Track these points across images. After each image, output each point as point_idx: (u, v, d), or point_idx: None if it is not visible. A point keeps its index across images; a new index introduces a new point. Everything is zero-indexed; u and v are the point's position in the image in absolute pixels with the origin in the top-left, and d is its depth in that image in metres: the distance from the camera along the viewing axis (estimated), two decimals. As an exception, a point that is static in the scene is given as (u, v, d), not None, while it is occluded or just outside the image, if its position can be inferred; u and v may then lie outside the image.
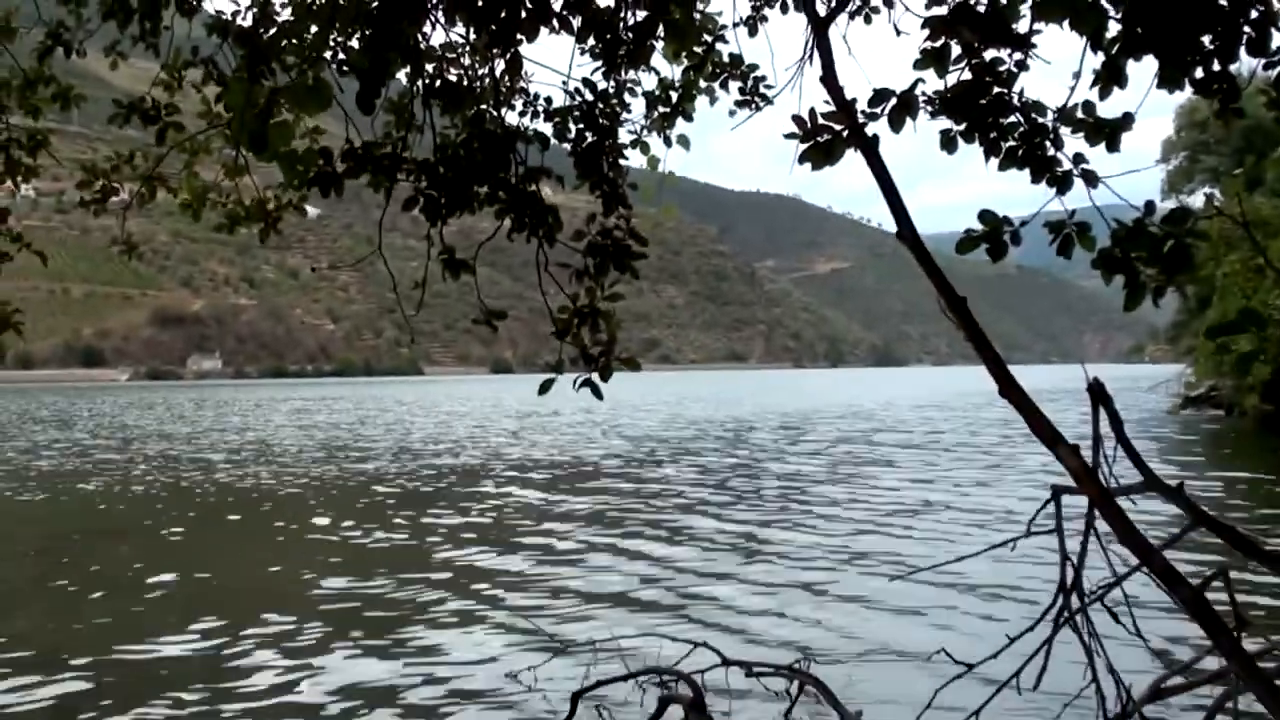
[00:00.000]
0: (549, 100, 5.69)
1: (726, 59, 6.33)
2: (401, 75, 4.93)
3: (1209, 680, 5.54)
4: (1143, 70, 3.68)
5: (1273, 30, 3.54)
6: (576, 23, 4.98)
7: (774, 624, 10.61)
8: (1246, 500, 19.59)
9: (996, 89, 4.00)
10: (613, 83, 5.72)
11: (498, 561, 14.60)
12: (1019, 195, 4.23)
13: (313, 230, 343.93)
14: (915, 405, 67.32)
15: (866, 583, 12.43)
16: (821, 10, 4.42)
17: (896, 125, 3.92)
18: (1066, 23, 3.58)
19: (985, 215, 3.90)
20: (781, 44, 5.81)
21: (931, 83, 3.96)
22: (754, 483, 24.04)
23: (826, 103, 3.95)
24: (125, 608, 11.95)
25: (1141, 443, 13.36)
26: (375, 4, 4.27)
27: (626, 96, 5.92)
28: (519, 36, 4.52)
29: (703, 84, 6.42)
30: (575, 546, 15.64)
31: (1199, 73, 3.68)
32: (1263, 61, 3.68)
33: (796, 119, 3.89)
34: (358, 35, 4.37)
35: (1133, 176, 4.10)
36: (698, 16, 6.05)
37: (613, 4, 5.32)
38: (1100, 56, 3.73)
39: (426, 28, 4.82)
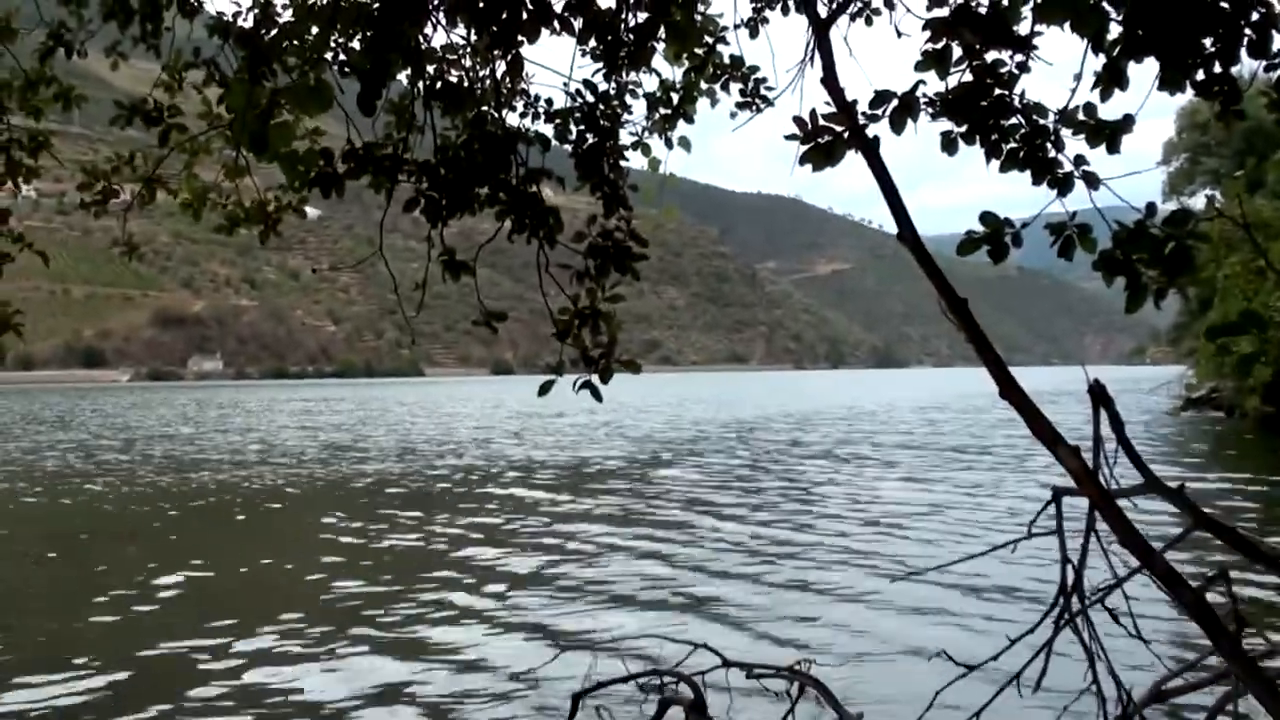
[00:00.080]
0: (550, 102, 5.69)
1: (727, 61, 6.33)
2: (402, 76, 4.93)
3: (1210, 681, 5.53)
4: (1144, 72, 3.68)
5: (1273, 32, 3.54)
6: (578, 24, 4.98)
7: (775, 625, 10.61)
8: (1247, 502, 19.58)
9: (997, 91, 4.00)
10: (614, 84, 5.71)
11: (499, 562, 14.61)
12: (1020, 197, 4.23)
13: (314, 231, 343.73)
14: (916, 407, 67.33)
15: (867, 583, 12.43)
16: (822, 12, 4.41)
17: (897, 127, 3.92)
18: (1068, 24, 3.58)
19: (986, 217, 3.90)
20: (782, 46, 5.80)
21: (932, 84, 3.96)
22: (755, 484, 24.04)
23: (827, 104, 3.95)
24: (133, 608, 11.95)
25: (1142, 444, 13.36)
26: (376, 5, 4.27)
27: (627, 98, 5.92)
28: (520, 38, 4.52)
29: (704, 86, 6.42)
30: (576, 547, 15.65)
31: (1200, 74, 3.67)
32: (1264, 63, 3.68)
33: (797, 120, 3.89)
34: (359, 36, 4.37)
35: (1134, 178, 4.10)
36: (699, 18, 6.04)
37: (614, 5, 5.31)
38: (1101, 58, 3.73)
39: (428, 29, 4.81)
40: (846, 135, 3.89)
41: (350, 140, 5.03)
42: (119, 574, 14.24)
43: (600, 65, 5.52)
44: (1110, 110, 3.87)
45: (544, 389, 4.84)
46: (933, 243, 4.40)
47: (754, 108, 6.32)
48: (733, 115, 6.30)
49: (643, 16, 5.41)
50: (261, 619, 11.21)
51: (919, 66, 3.91)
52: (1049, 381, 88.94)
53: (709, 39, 6.21)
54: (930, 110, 3.99)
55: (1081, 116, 3.90)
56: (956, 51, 3.90)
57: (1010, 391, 3.99)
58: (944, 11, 3.90)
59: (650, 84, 6.28)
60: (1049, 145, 3.99)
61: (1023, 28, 3.80)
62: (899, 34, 5.29)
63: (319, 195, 5.03)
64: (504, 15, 4.36)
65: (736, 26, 6.25)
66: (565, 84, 5.61)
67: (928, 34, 3.88)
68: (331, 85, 4.06)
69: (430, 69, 5.14)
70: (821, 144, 3.89)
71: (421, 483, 25.72)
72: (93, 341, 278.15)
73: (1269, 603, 10.42)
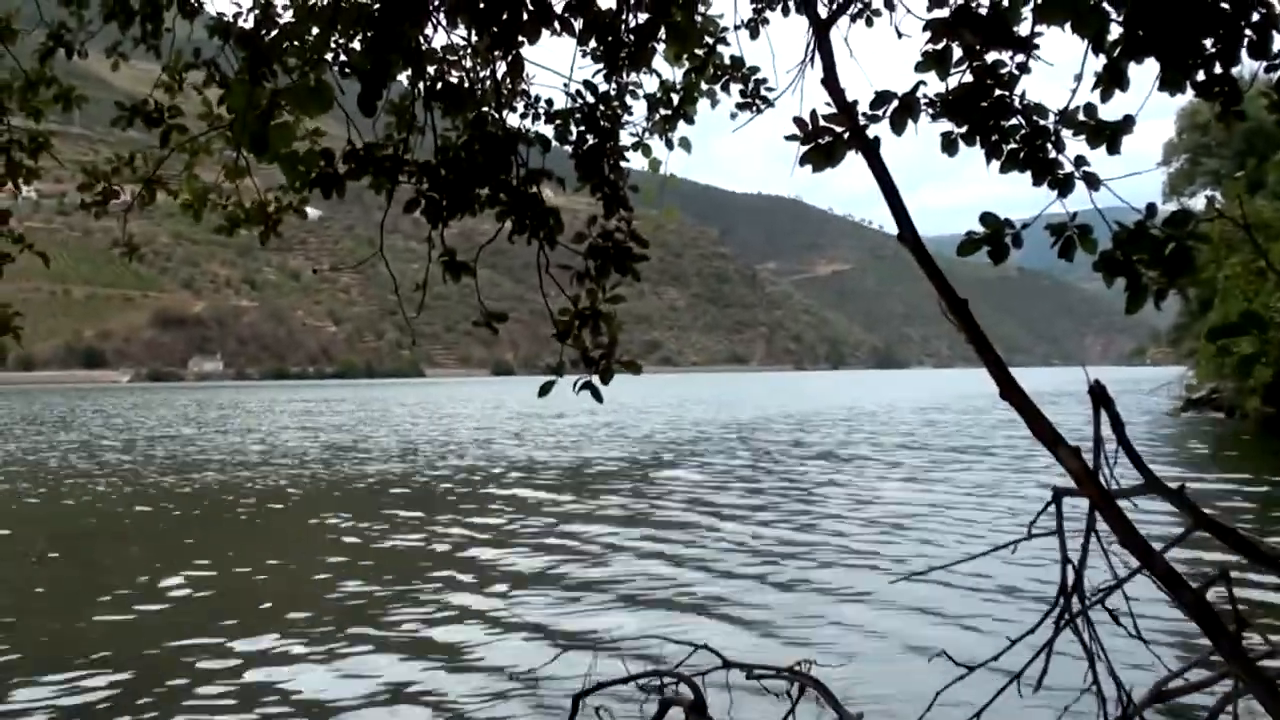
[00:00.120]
0: (550, 102, 5.69)
1: (728, 61, 6.33)
2: (403, 77, 4.93)
3: (1210, 682, 5.53)
4: (1144, 73, 3.69)
5: (1274, 33, 3.54)
6: (578, 25, 4.98)
7: (776, 625, 10.61)
8: (1248, 502, 19.57)
9: (998, 91, 4.00)
10: (614, 85, 5.71)
11: (500, 562, 14.61)
12: (1020, 198, 4.24)
13: (314, 232, 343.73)
14: (917, 408, 67.32)
15: (868, 584, 12.42)
16: (823, 13, 4.42)
17: (898, 127, 3.92)
18: (1068, 25, 3.58)
19: (987, 218, 3.90)
20: (783, 46, 5.80)
21: (933, 85, 3.97)
22: (756, 484, 24.04)
23: (828, 105, 3.96)
24: (136, 608, 11.96)
25: (1143, 445, 13.35)
26: (377, 6, 4.27)
27: (628, 99, 5.92)
28: (520, 39, 4.52)
29: (704, 86, 6.42)
30: (578, 547, 15.65)
31: (1200, 75, 3.68)
32: (1264, 64, 3.68)
33: (798, 121, 3.90)
34: (359, 37, 4.37)
35: (1134, 179, 4.10)
36: (699, 19, 6.04)
37: (614, 6, 5.32)
38: (1102, 59, 3.73)
39: (428, 30, 4.82)
40: (847, 136, 3.90)
41: (351, 141, 5.03)
42: (122, 574, 14.25)
43: (601, 66, 5.52)
44: (1110, 111, 3.88)
45: (544, 390, 4.84)
46: (933, 243, 4.40)
47: (754, 108, 6.32)
48: (733, 116, 6.31)
49: (643, 17, 5.41)
50: (262, 618, 11.22)
51: (919, 67, 3.91)
52: (1049, 382, 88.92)
53: (709, 40, 6.21)
54: (931, 111, 4.00)
55: (1082, 117, 3.90)
56: (957, 52, 3.91)
57: (1011, 392, 4.00)
58: (944, 12, 3.91)
59: (651, 85, 6.29)
60: (1049, 146, 4.00)
61: (1023, 28, 3.80)
62: (899, 35, 5.30)
63: (320, 196, 5.04)
64: (504, 16, 4.36)
65: (737, 27, 6.26)
66: (566, 85, 5.61)
67: (928, 35, 3.88)
68: (332, 86, 4.06)
69: (431, 70, 5.14)
70: (822, 145, 3.89)
71: (423, 483, 25.73)
72: (93, 342, 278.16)
73: (1269, 603, 10.41)
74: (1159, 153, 56.40)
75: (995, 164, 4.04)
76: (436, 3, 4.74)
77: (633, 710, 7.49)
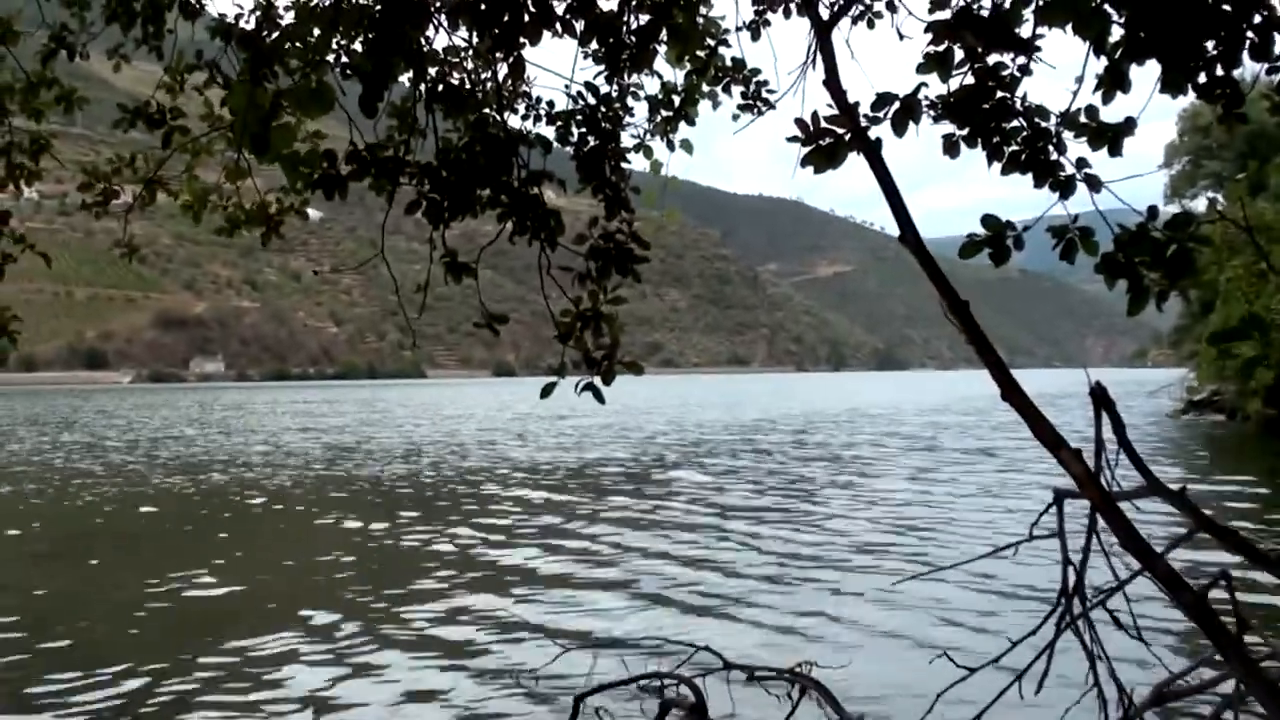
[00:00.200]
0: (551, 104, 5.70)
1: (729, 63, 6.33)
2: (404, 79, 4.93)
3: (1211, 684, 5.53)
4: (1145, 75, 3.69)
5: (1275, 35, 3.54)
6: (579, 26, 4.98)
7: (777, 626, 10.60)
8: (1249, 504, 19.56)
9: (999, 93, 4.00)
10: (615, 86, 5.72)
11: (502, 563, 14.61)
12: (1022, 199, 4.24)
13: (316, 233, 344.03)
14: (919, 409, 67.31)
15: (870, 585, 12.41)
16: (824, 14, 4.42)
17: (899, 129, 3.92)
18: (1069, 27, 3.58)
19: (988, 220, 3.90)
20: (784, 48, 5.80)
21: (934, 87, 3.97)
22: (758, 486, 24.04)
23: (829, 106, 3.96)
24: (144, 610, 11.96)
25: (1144, 447, 13.35)
26: (378, 7, 4.27)
27: (629, 100, 5.92)
28: (522, 40, 4.52)
29: (705, 88, 6.42)
30: (579, 548, 15.65)
31: (1202, 77, 3.67)
32: (1265, 66, 3.68)
33: (799, 122, 3.89)
34: (361, 38, 4.38)
35: (1135, 181, 4.10)
36: (700, 21, 6.05)
37: (616, 8, 5.32)
38: (1103, 61, 3.73)
39: (429, 31, 4.82)
40: (848, 137, 3.90)
41: (353, 142, 5.03)
42: (128, 575, 14.27)
43: (602, 67, 5.52)
44: (1112, 113, 3.88)
45: (546, 391, 4.84)
46: (934, 245, 4.39)
47: (756, 110, 6.33)
48: (735, 118, 6.31)
49: (644, 19, 5.42)
50: (265, 618, 11.23)
51: (921, 69, 3.91)
52: (1051, 384, 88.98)
53: (711, 41, 6.22)
54: (932, 113, 4.00)
55: (1083, 119, 3.90)
56: (958, 54, 3.91)
57: (1012, 394, 3.99)
58: (946, 14, 3.91)
59: (652, 86, 6.29)
60: (1051, 148, 4.00)
61: (1025, 30, 3.80)
62: (901, 36, 5.30)
63: (321, 197, 5.04)
64: (506, 18, 4.36)
65: (738, 29, 6.26)
66: (567, 86, 5.62)
67: (929, 37, 3.88)
68: (333, 87, 4.06)
69: (432, 71, 5.14)
70: (823, 146, 3.89)
71: (426, 484, 25.73)
72: (95, 343, 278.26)
73: (1270, 605, 10.40)
74: (1160, 155, 56.35)
75: (997, 166, 4.05)
76: (438, 4, 4.74)
77: (633, 711, 7.50)
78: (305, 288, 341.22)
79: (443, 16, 4.85)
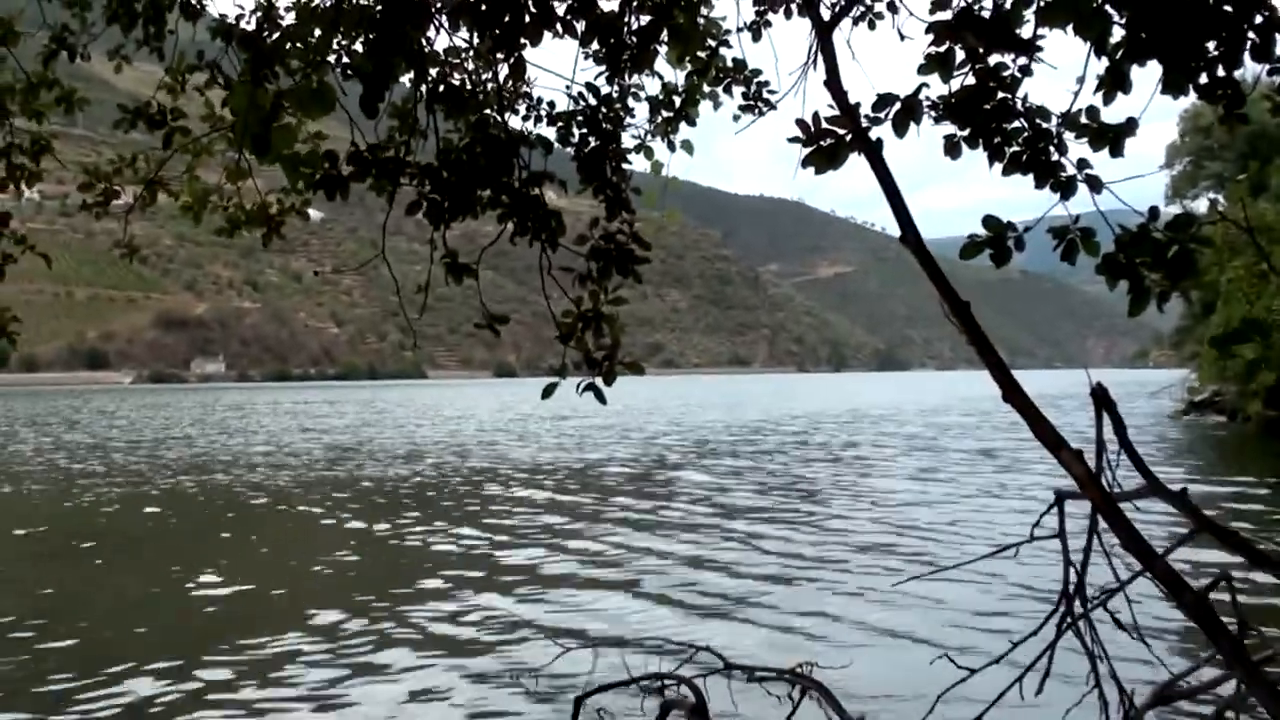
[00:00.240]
0: (552, 105, 5.69)
1: (730, 63, 6.33)
2: (405, 79, 4.93)
3: (1212, 685, 5.53)
4: (1147, 75, 3.68)
5: (1277, 35, 3.53)
6: (580, 27, 4.98)
7: (778, 626, 10.61)
8: (1250, 505, 19.55)
9: (1000, 94, 4.00)
10: (616, 87, 5.71)
11: (502, 564, 14.61)
12: (1023, 200, 4.24)
13: (317, 234, 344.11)
14: (920, 410, 67.32)
15: (871, 585, 12.42)
16: (825, 15, 4.41)
17: (900, 130, 3.92)
18: (1070, 28, 3.57)
19: (989, 220, 3.90)
20: (785, 49, 5.80)
21: (935, 87, 3.96)
22: (760, 486, 24.04)
23: (830, 107, 3.95)
24: (149, 611, 11.99)
25: (1145, 448, 13.34)
26: (379, 8, 4.27)
27: (630, 101, 5.92)
28: (523, 41, 4.52)
29: (706, 88, 6.42)
30: (581, 548, 15.65)
31: (1203, 78, 3.66)
32: (1267, 67, 3.68)
33: (800, 123, 3.89)
34: (361, 39, 4.37)
35: (1136, 182, 4.09)
36: (701, 21, 6.04)
37: (617, 8, 5.31)
38: (1104, 61, 3.73)
39: (430, 32, 4.82)
40: (849, 138, 3.89)
41: (355, 142, 5.03)
42: (132, 576, 14.30)
43: (603, 68, 5.52)
44: (1113, 114, 3.87)
45: (548, 391, 4.83)
46: (935, 245, 4.39)
47: (756, 111, 6.32)
48: (736, 118, 6.30)
49: (645, 19, 5.41)
50: (264, 618, 11.25)
51: (922, 70, 3.91)
52: (1052, 385, 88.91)
53: (711, 42, 6.20)
54: (933, 113, 4.00)
55: (1084, 120, 3.90)
56: (959, 55, 3.91)
57: (1013, 395, 3.99)
58: (947, 15, 3.90)
59: (653, 87, 6.29)
60: (1052, 148, 3.99)
61: (1026, 31, 3.80)
62: (902, 37, 5.30)
63: (322, 198, 5.04)
64: (506, 18, 4.36)
65: (739, 29, 6.25)
66: (568, 87, 5.61)
67: (930, 37, 3.88)
68: (334, 88, 4.06)
69: (433, 72, 5.13)
70: (824, 147, 3.88)
71: (428, 484, 25.75)
72: (96, 343, 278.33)
73: (1271, 606, 10.40)
74: (1161, 155, 56.31)
75: (998, 166, 4.04)
76: (439, 5, 4.74)
77: (634, 712, 7.50)
78: (306, 288, 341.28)
79: (443, 17, 4.85)
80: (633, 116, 6.01)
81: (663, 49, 5.74)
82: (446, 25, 4.93)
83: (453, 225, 5.20)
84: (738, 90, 6.36)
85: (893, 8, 5.60)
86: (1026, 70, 4.00)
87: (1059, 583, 4.78)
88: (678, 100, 6.41)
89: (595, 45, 5.36)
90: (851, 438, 41.27)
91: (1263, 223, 32.45)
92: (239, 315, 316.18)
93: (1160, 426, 44.69)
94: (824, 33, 4.23)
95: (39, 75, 6.19)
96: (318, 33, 4.41)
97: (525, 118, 5.74)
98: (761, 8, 6.15)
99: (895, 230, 4.07)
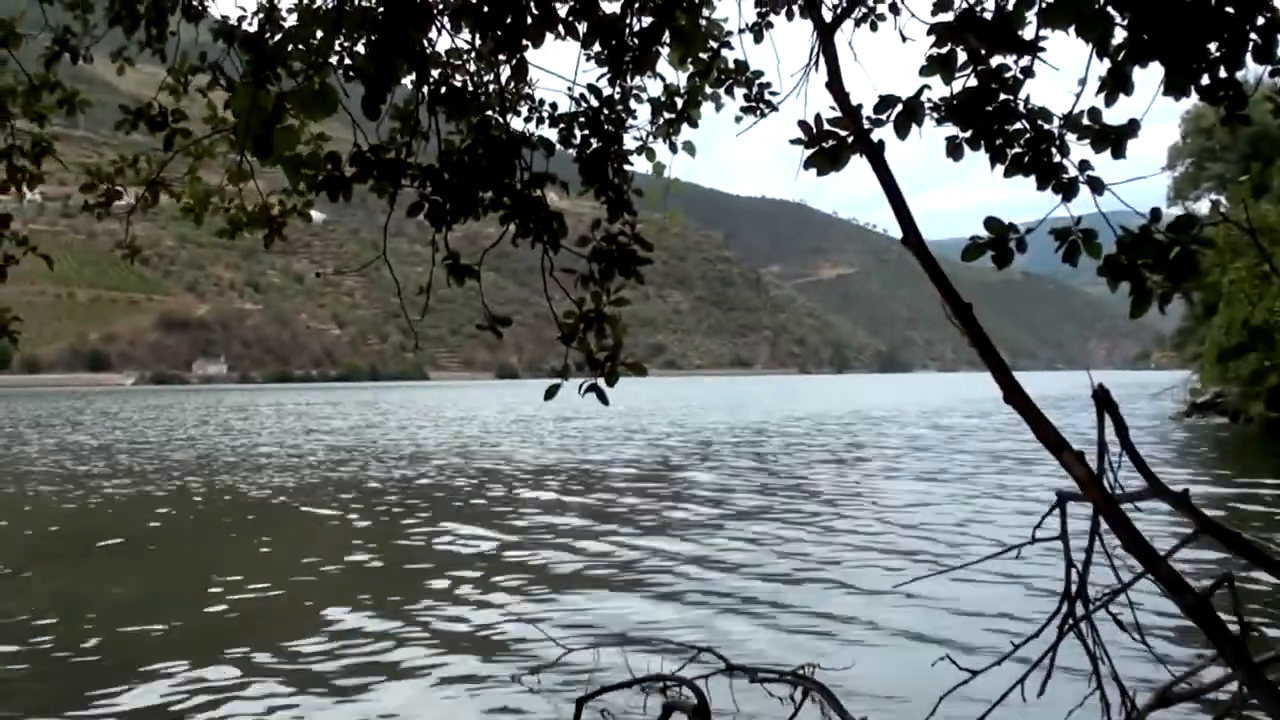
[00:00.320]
0: (554, 106, 5.69)
1: (732, 65, 6.33)
2: (407, 81, 4.93)
3: (1214, 686, 5.52)
4: (1149, 77, 3.68)
5: (1278, 37, 3.53)
6: (582, 29, 4.98)
7: (780, 628, 10.60)
8: (1252, 507, 19.53)
9: (1002, 95, 4.00)
10: (618, 89, 5.71)
11: (504, 564, 14.61)
12: (1025, 201, 4.25)
13: (319, 235, 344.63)
14: (922, 411, 67.29)
15: (873, 586, 12.41)
16: (827, 16, 4.41)
17: (902, 131, 3.92)
18: (1072, 29, 3.57)
19: (991, 222, 3.90)
20: (787, 50, 5.81)
21: (937, 89, 3.96)
22: (762, 487, 24.03)
23: (832, 109, 3.95)
24: (153, 611, 11.96)
25: (1147, 449, 13.34)
26: (381, 10, 4.28)
27: (632, 102, 5.92)
28: (524, 42, 4.52)
29: (708, 90, 6.42)
30: (583, 549, 15.65)
31: (1205, 79, 3.66)
32: (1269, 68, 3.67)
33: (802, 125, 3.89)
34: (363, 40, 4.38)
35: (1138, 183, 4.10)
36: (703, 23, 6.04)
37: (618, 10, 5.32)
38: (1106, 63, 3.73)
39: (432, 33, 4.82)
40: (851, 139, 3.89)
41: (357, 144, 5.03)
42: (137, 577, 14.29)
43: (605, 70, 5.52)
44: (1115, 115, 3.87)
45: (550, 393, 4.84)
46: (937, 247, 4.39)
47: (758, 112, 6.32)
48: (737, 120, 6.30)
49: (647, 21, 5.41)
50: (266, 618, 11.26)
51: (924, 71, 3.91)
52: (1054, 386, 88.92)
53: (713, 43, 6.21)
54: (935, 115, 4.00)
55: (1086, 121, 3.90)
56: (961, 56, 3.90)
57: (1015, 396, 3.99)
58: (949, 16, 3.90)
59: (655, 88, 6.29)
60: (1054, 150, 3.99)
61: (1027, 32, 3.80)
62: (904, 39, 5.30)
63: (324, 199, 5.04)
64: (508, 20, 4.36)
65: (741, 31, 6.25)
66: (569, 88, 5.61)
67: (932, 39, 3.88)
68: (336, 89, 4.06)
69: (435, 73, 5.14)
70: (826, 148, 3.88)
71: (430, 485, 25.75)
72: (97, 345, 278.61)
73: (1273, 608, 10.39)
74: (1163, 157, 56.30)
75: (999, 168, 4.04)
76: (440, 6, 4.75)
77: (637, 712, 7.50)
78: (308, 290, 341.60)
79: (445, 19, 4.85)
80: (634, 118, 6.02)
81: (665, 50, 5.74)
82: (448, 27, 4.93)
83: (454, 227, 5.20)
84: (739, 92, 6.36)
85: (894, 9, 5.60)
86: (1028, 72, 3.99)
87: (1061, 584, 4.78)
88: (679, 102, 6.42)
89: (597, 47, 5.36)
90: (854, 439, 41.26)
91: (1265, 224, 32.46)
92: (241, 317, 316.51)
93: (1162, 428, 44.64)
94: (826, 34, 4.23)
95: (41, 77, 6.20)
96: (320, 34, 4.42)
97: (527, 119, 5.75)
98: (763, 9, 6.15)
99: (897, 232, 4.06)
